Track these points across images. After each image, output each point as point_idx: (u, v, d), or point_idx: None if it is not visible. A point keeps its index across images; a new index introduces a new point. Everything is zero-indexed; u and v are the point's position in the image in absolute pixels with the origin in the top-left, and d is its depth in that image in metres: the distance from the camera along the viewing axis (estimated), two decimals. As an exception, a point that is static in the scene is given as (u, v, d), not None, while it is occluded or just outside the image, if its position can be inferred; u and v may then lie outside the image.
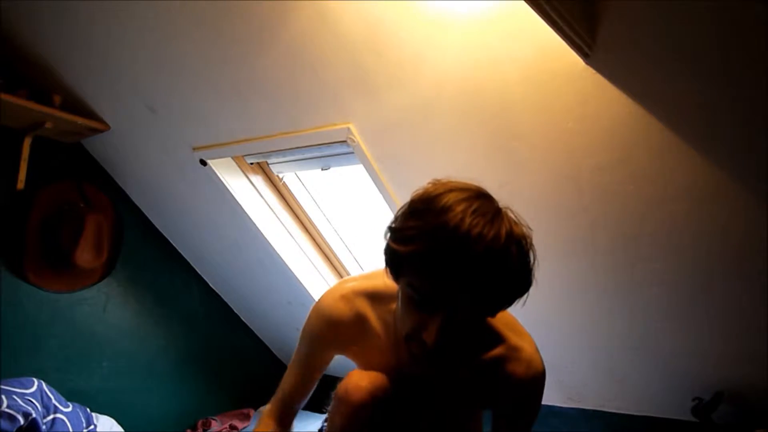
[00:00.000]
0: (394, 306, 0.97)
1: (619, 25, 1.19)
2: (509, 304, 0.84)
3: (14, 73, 2.16)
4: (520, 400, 0.99)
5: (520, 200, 1.66)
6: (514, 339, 0.97)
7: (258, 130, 2.00)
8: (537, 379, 0.97)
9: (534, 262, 0.82)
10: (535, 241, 1.86)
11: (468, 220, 0.73)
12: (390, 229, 0.83)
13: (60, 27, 1.95)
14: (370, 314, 1.01)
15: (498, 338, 0.97)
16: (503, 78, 1.42)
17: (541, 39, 1.27)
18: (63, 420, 2.02)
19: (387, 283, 0.91)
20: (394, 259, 0.82)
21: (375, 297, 1.02)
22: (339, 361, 1.13)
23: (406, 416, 1.05)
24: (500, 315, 0.92)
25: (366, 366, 1.07)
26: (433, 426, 1.07)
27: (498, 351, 0.96)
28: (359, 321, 1.02)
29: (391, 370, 1.02)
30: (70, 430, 2.02)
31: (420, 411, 1.05)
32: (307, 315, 1.10)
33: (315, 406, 1.22)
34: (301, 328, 1.16)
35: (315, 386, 1.16)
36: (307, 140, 1.90)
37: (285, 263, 2.47)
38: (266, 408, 1.16)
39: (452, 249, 0.73)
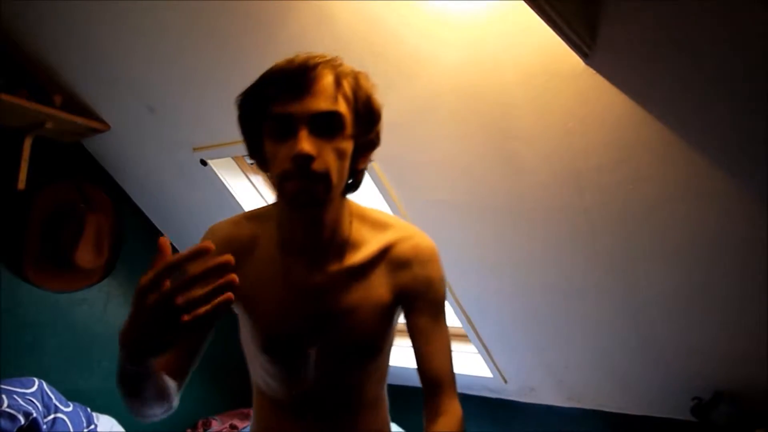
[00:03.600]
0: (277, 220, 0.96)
1: (619, 25, 1.19)
2: (363, 131, 0.88)
3: (14, 73, 2.16)
4: (421, 280, 0.96)
5: (520, 200, 1.67)
6: (393, 223, 0.99)
7: (258, 130, 2.00)
8: (430, 250, 0.97)
9: (366, 92, 0.88)
10: (535, 241, 1.85)
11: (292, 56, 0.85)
12: (238, 104, 0.89)
13: (60, 27, 1.95)
14: (260, 233, 0.97)
15: (379, 226, 0.98)
16: (503, 78, 1.42)
17: (541, 39, 1.27)
18: (64, 420, 2.02)
19: (270, 206, 0.99)
20: (247, 110, 0.87)
21: (262, 216, 1.00)
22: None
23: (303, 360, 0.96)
24: (372, 211, 1.00)
25: (255, 307, 0.95)
26: (335, 370, 0.98)
27: (381, 240, 0.96)
28: (251, 242, 0.96)
29: (286, 295, 0.94)
30: (71, 429, 2.02)
31: (321, 345, 0.96)
32: None
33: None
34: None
35: (204, 345, 0.97)
36: (307, 140, 1.89)
37: (285, 263, 2.47)
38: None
39: (284, 64, 0.83)
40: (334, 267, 0.94)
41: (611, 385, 2.04)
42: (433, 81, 1.51)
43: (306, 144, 0.80)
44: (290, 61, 0.83)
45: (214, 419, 2.72)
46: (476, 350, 2.25)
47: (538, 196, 1.63)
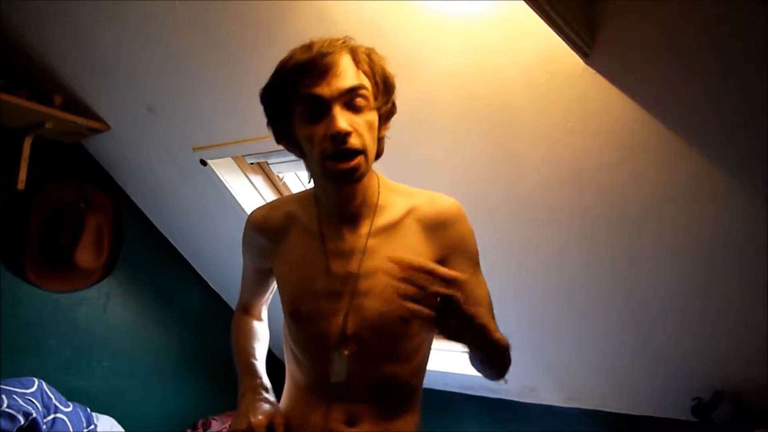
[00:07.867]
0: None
1: (619, 26, 1.19)
2: (383, 101, 0.96)
3: (15, 73, 2.16)
4: (456, 238, 1.04)
5: (521, 200, 1.67)
6: (416, 192, 1.08)
7: (258, 130, 2.00)
8: (456, 208, 1.05)
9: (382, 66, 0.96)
10: (535, 241, 1.85)
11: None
12: (262, 95, 0.97)
13: (60, 28, 1.95)
14: (299, 212, 1.06)
15: (404, 193, 1.07)
16: (503, 78, 1.42)
17: (541, 39, 1.27)
18: (63, 420, 2.02)
19: (307, 190, 1.09)
20: (273, 100, 0.95)
21: (301, 198, 1.10)
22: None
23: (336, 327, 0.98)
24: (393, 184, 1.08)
25: (292, 275, 1.03)
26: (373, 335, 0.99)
27: (407, 203, 1.04)
28: (287, 219, 1.07)
29: (324, 260, 1.00)
30: (71, 429, 2.02)
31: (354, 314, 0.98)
32: None
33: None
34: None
35: (268, 292, 1.23)
36: (307, 140, 1.89)
37: (285, 263, 2.47)
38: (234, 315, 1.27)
39: (303, 53, 0.90)
40: (366, 229, 1.01)
41: (611, 385, 2.04)
42: (434, 81, 1.51)
43: (341, 121, 0.87)
44: (307, 49, 0.90)
45: (214, 419, 2.72)
46: (476, 350, 2.24)
47: (538, 196, 1.63)
